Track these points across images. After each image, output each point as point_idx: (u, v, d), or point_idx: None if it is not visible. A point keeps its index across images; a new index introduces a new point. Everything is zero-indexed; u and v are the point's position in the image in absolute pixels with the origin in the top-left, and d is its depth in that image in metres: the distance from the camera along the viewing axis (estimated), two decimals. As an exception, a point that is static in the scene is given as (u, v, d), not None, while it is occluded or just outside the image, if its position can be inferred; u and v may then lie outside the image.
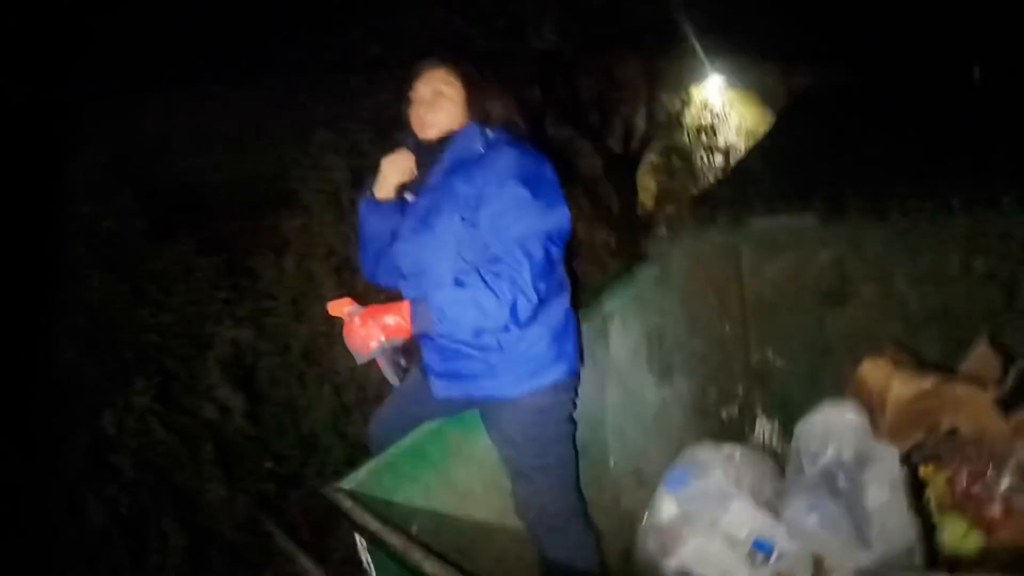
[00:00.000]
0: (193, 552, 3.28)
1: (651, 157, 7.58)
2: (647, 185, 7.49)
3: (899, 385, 1.99)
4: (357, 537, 1.63)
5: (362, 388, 3.85)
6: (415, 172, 1.99)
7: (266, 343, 3.72)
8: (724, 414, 2.93)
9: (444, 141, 1.88)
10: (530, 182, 1.72)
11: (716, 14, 7.05)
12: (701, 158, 6.80)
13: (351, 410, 3.85)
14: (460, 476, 2.06)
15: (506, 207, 1.70)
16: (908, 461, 2.03)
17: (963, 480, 1.89)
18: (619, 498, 2.45)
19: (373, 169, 2.08)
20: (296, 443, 3.73)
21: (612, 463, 2.44)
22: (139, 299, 3.77)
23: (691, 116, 7.55)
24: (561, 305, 1.93)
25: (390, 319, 1.68)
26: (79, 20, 5.61)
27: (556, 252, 1.79)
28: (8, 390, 3.50)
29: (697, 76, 8.43)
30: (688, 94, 8.21)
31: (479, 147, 1.83)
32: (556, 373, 1.90)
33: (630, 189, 7.22)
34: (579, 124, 7.00)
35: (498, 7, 5.82)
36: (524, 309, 1.69)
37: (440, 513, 1.94)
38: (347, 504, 1.71)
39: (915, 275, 2.45)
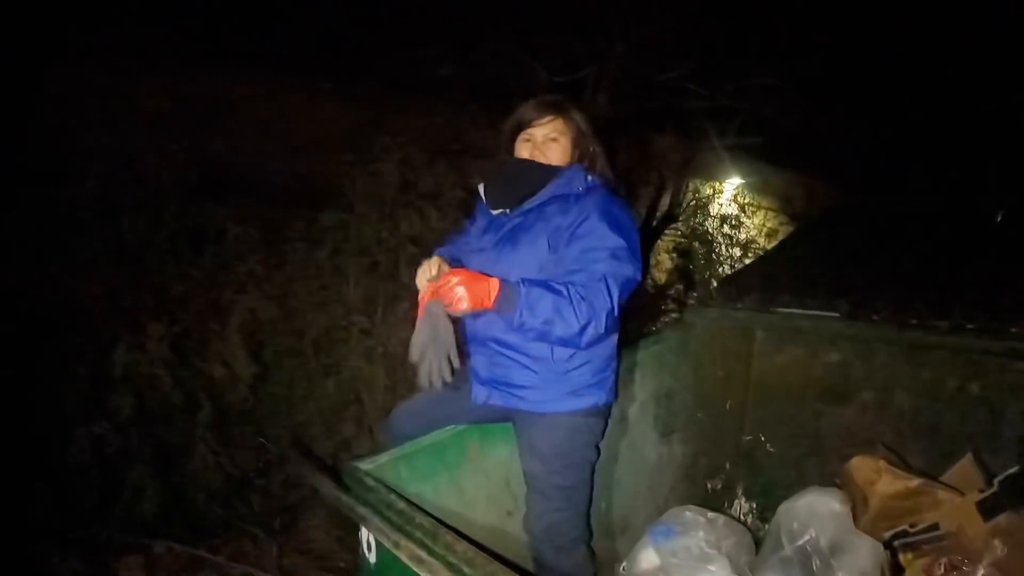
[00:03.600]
0: (162, 511, 3.30)
1: (672, 235, 7.80)
2: (662, 261, 7.68)
3: (887, 481, 2.11)
4: (364, 516, 1.66)
5: (358, 392, 3.92)
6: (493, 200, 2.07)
7: (284, 324, 3.81)
8: (708, 485, 3.03)
9: (546, 171, 2.03)
10: (625, 233, 1.88)
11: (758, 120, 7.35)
12: (720, 246, 6.98)
13: (345, 408, 3.91)
14: (469, 484, 2.14)
15: (603, 247, 1.84)
16: (890, 546, 2.15)
17: (940, 569, 1.99)
18: (599, 540, 2.53)
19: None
20: (288, 428, 3.78)
21: (603, 506, 2.52)
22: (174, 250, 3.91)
23: (717, 206, 7.78)
24: (611, 341, 2.06)
25: (480, 288, 1.73)
26: None
27: (624, 298, 1.91)
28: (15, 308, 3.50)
29: (730, 171, 8.67)
30: (720, 185, 8.47)
31: (580, 187, 1.99)
32: (595, 398, 2.01)
33: (644, 261, 7.40)
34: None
35: (569, 63, 6.05)
36: (590, 335, 1.80)
37: (444, 514, 2.00)
38: (371, 482, 1.81)
39: (914, 389, 2.59)
